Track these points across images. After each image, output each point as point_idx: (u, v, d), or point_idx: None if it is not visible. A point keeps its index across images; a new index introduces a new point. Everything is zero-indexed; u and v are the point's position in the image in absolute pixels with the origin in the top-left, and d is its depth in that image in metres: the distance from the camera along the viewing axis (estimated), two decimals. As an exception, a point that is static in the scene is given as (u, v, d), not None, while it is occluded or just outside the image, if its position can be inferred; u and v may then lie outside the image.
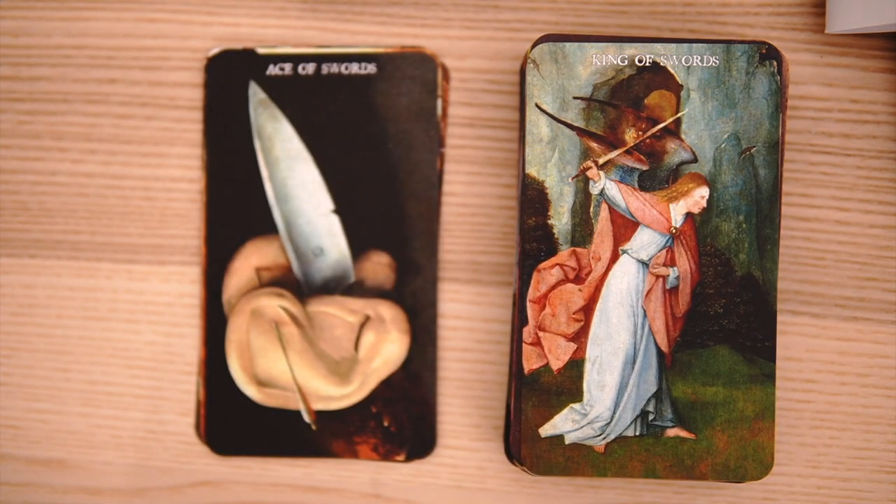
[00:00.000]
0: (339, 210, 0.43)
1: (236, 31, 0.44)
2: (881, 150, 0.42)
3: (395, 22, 0.44)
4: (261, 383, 0.43)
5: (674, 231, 0.40)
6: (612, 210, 0.40)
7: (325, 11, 0.44)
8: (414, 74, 0.43)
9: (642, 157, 0.40)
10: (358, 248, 0.43)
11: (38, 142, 0.45)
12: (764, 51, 0.39)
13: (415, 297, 0.43)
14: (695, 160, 0.40)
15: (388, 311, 0.43)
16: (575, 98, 0.40)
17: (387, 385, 0.43)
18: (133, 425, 0.45)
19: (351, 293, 0.43)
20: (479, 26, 0.43)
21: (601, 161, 0.40)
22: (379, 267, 0.42)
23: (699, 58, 0.40)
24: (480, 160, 0.44)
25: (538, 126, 0.40)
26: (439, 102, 0.42)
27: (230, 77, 0.43)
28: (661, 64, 0.40)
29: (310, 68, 0.43)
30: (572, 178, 0.40)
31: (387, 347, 0.43)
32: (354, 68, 0.42)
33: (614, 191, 0.40)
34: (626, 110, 0.40)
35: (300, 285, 0.43)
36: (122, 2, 0.44)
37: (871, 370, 0.42)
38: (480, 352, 0.44)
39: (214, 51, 0.43)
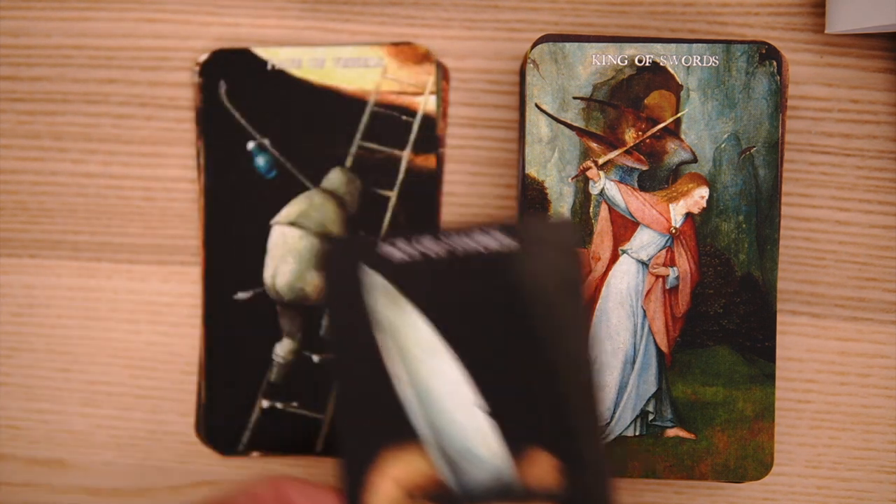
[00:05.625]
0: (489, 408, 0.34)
1: (236, 31, 0.44)
2: (881, 150, 0.42)
3: (395, 22, 0.44)
4: None
5: (674, 231, 0.40)
6: (611, 210, 0.40)
7: (325, 11, 0.44)
8: (555, 241, 0.34)
9: (642, 157, 0.40)
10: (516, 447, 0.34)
11: (38, 142, 0.45)
12: (764, 51, 0.39)
13: (586, 496, 0.33)
14: (695, 160, 0.40)
15: None
16: (575, 98, 0.40)
17: None
18: (133, 425, 0.45)
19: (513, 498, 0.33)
20: (479, 26, 0.43)
21: (601, 161, 0.40)
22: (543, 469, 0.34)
23: (699, 58, 0.39)
24: (480, 160, 0.44)
25: (538, 126, 0.40)
26: (580, 275, 0.34)
27: (343, 265, 0.34)
28: (661, 64, 0.40)
29: (439, 249, 0.33)
30: (572, 178, 0.40)
31: None
32: (491, 243, 0.33)
33: (614, 191, 0.40)
34: (626, 110, 0.40)
35: (455, 498, 0.34)
36: (122, 2, 0.44)
37: (871, 370, 0.42)
38: (480, 352, 0.44)
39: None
